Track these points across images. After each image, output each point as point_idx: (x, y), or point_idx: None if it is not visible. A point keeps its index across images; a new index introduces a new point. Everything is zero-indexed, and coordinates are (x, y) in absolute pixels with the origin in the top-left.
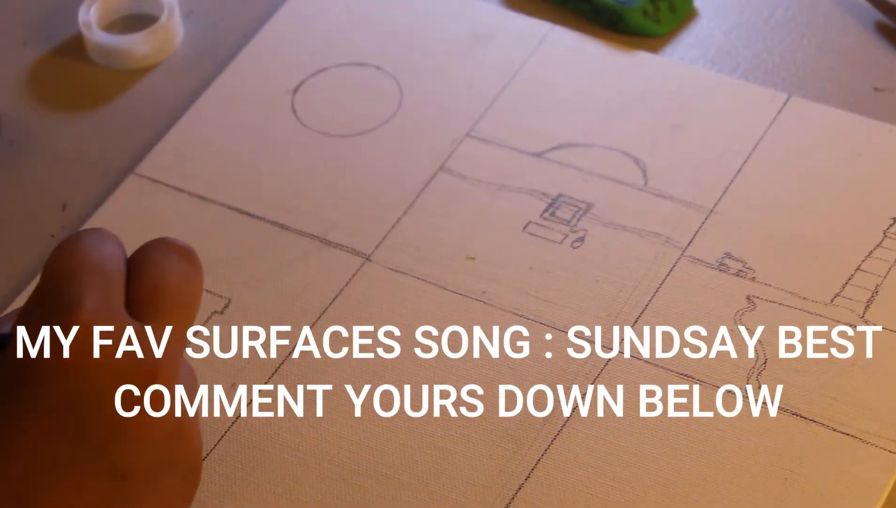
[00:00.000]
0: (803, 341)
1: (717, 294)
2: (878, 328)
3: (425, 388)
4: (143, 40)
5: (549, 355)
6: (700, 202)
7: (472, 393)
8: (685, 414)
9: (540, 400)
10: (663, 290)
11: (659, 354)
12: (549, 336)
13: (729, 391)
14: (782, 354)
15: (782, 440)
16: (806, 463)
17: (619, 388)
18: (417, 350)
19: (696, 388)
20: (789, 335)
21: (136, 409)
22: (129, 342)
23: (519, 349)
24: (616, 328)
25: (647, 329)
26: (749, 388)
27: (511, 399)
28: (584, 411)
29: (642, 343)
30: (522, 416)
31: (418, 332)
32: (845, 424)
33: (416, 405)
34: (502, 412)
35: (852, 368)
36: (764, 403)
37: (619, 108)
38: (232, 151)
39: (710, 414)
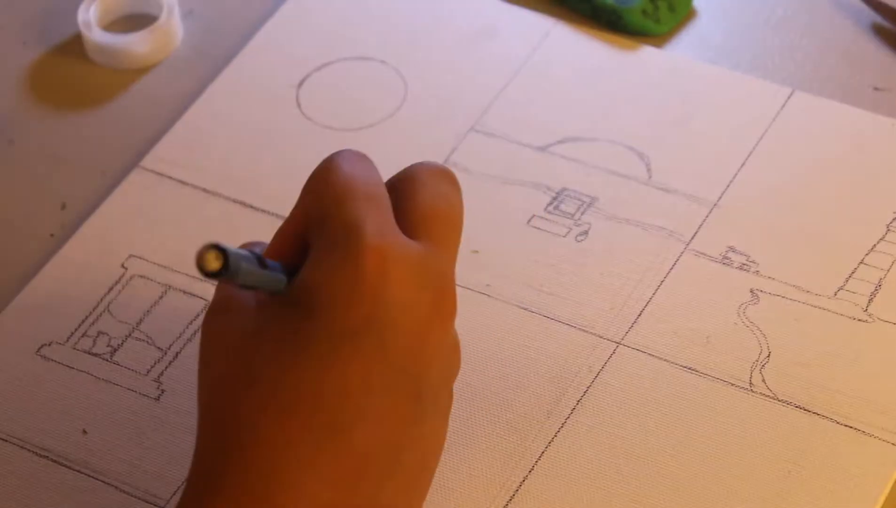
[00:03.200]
0: (807, 334)
1: (721, 288)
2: (882, 322)
3: None
4: (142, 40)
5: (552, 348)
6: (704, 196)
7: (475, 386)
8: (688, 407)
9: (544, 393)
10: (667, 283)
11: (662, 347)
12: (553, 329)
13: (732, 385)
14: (786, 347)
15: (785, 433)
16: (809, 456)
17: (623, 381)
18: None
19: (699, 381)
20: (793, 328)
21: (433, 326)
22: (417, 263)
23: (522, 342)
24: (620, 322)
25: (650, 323)
26: (752, 381)
27: (515, 392)
28: (587, 403)
29: (646, 337)
30: (526, 408)
31: None
32: (848, 417)
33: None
34: (506, 405)
35: (855, 361)
36: (767, 396)
37: (624, 102)
38: (237, 145)
39: (714, 407)
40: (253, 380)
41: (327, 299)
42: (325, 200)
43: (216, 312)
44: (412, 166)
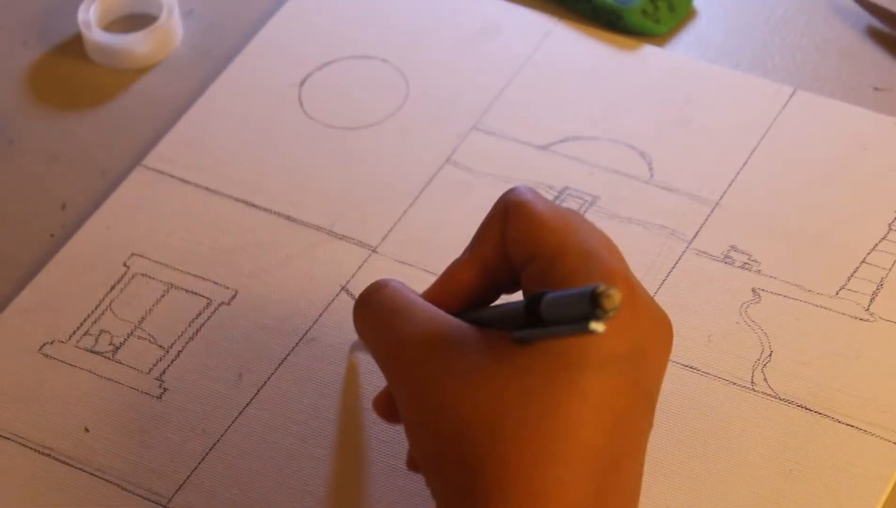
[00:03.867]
0: (808, 333)
1: (723, 287)
2: (883, 321)
3: None
4: (142, 40)
5: None
6: (706, 195)
7: None
8: (690, 406)
9: None
10: (669, 282)
11: None
12: None
13: (734, 383)
14: (787, 346)
15: (787, 432)
16: (810, 455)
17: None
18: None
19: (701, 380)
20: (794, 327)
21: (666, 351)
22: (645, 290)
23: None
24: None
25: None
26: (754, 380)
27: None
28: None
29: None
30: None
31: None
32: (850, 416)
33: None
34: None
35: (857, 360)
36: (769, 395)
37: (625, 101)
38: (239, 144)
39: (715, 406)
40: (544, 424)
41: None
42: (552, 234)
43: (437, 347)
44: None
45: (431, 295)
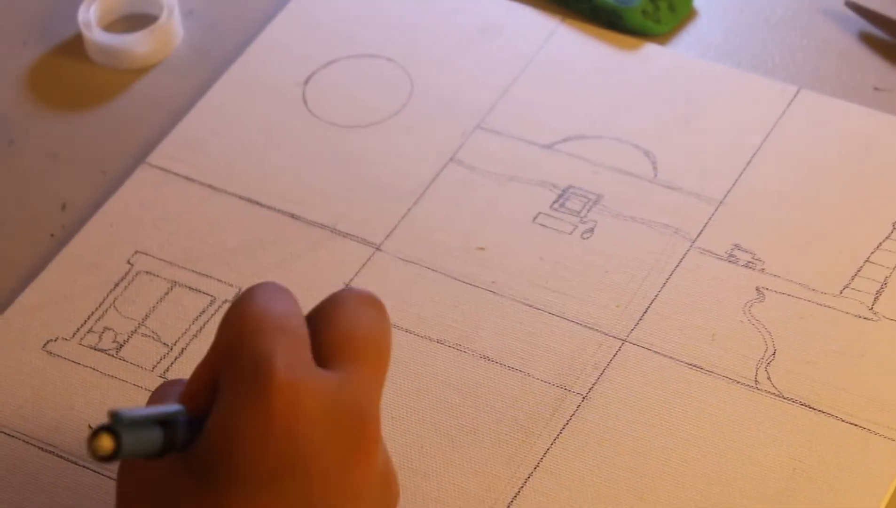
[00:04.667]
0: (812, 332)
1: (727, 285)
2: (887, 320)
3: (434, 377)
4: (142, 40)
5: (558, 345)
6: (709, 194)
7: (480, 383)
8: (694, 405)
9: (549, 390)
10: (672, 281)
11: (668, 344)
12: (558, 326)
13: (737, 382)
14: (791, 345)
15: (791, 431)
16: (814, 454)
17: (628, 378)
18: (427, 340)
19: (704, 378)
20: (798, 326)
21: (354, 461)
22: (332, 396)
23: (528, 340)
24: (625, 319)
25: (656, 320)
26: (758, 379)
27: (520, 389)
28: (593, 401)
29: (651, 334)
30: (532, 406)
31: (428, 322)
32: (853, 415)
33: (424, 395)
34: (512, 402)
35: (861, 359)
36: (772, 394)
37: (629, 100)
38: (243, 142)
39: (719, 405)
40: None
41: (239, 445)
42: (235, 332)
43: (126, 470)
44: (335, 293)
45: (184, 392)
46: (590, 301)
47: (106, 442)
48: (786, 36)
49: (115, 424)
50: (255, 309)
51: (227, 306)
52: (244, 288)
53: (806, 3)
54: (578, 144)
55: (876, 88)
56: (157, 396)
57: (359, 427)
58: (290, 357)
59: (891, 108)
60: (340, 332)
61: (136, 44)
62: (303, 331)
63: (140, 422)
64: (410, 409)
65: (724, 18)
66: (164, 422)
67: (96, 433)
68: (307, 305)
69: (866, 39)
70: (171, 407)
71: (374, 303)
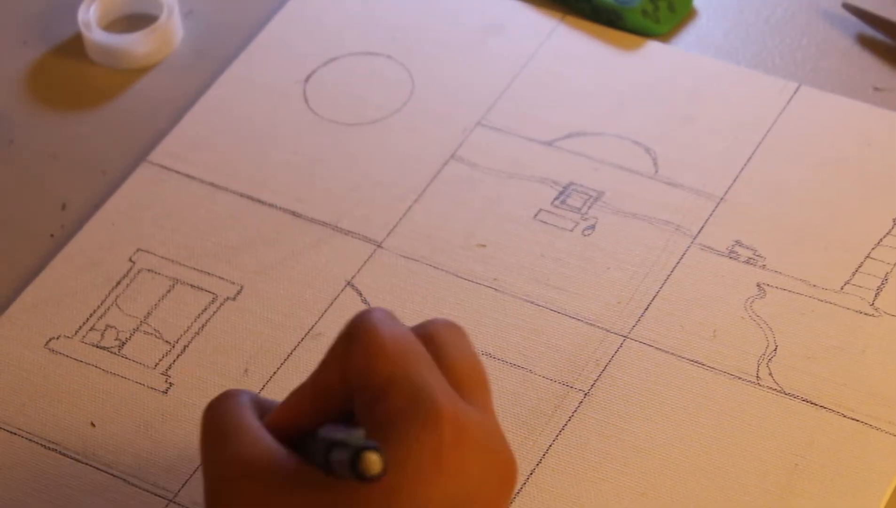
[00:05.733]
0: (813, 328)
1: (728, 282)
2: (888, 316)
3: None
4: (142, 40)
5: (560, 341)
6: (710, 190)
7: None
8: (695, 401)
9: (551, 387)
10: (674, 277)
11: (669, 341)
12: (560, 323)
13: (739, 378)
14: (792, 341)
15: (792, 427)
16: (816, 449)
17: (630, 374)
18: None
19: (706, 374)
20: (799, 322)
21: (503, 497)
22: (485, 430)
23: (530, 336)
24: (627, 315)
25: (657, 316)
26: (759, 374)
27: (522, 386)
28: (594, 397)
29: (653, 330)
30: (534, 402)
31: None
32: (855, 410)
33: None
34: (514, 399)
35: (862, 355)
36: (774, 389)
37: (630, 97)
38: (244, 139)
39: (721, 401)
40: None
41: (413, 474)
42: (381, 365)
43: (252, 477)
44: (429, 325)
45: (275, 417)
46: (591, 298)
47: (376, 461)
48: (786, 36)
49: (372, 444)
50: (391, 338)
51: (228, 303)
52: (358, 312)
53: (805, 3)
54: (579, 140)
55: (876, 88)
56: (232, 405)
57: (507, 463)
58: (445, 389)
59: (891, 107)
60: (456, 368)
61: (136, 44)
62: (434, 363)
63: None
64: None
65: (724, 18)
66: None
67: (358, 453)
68: (308, 302)
69: (864, 41)
70: (352, 431)
71: (464, 333)
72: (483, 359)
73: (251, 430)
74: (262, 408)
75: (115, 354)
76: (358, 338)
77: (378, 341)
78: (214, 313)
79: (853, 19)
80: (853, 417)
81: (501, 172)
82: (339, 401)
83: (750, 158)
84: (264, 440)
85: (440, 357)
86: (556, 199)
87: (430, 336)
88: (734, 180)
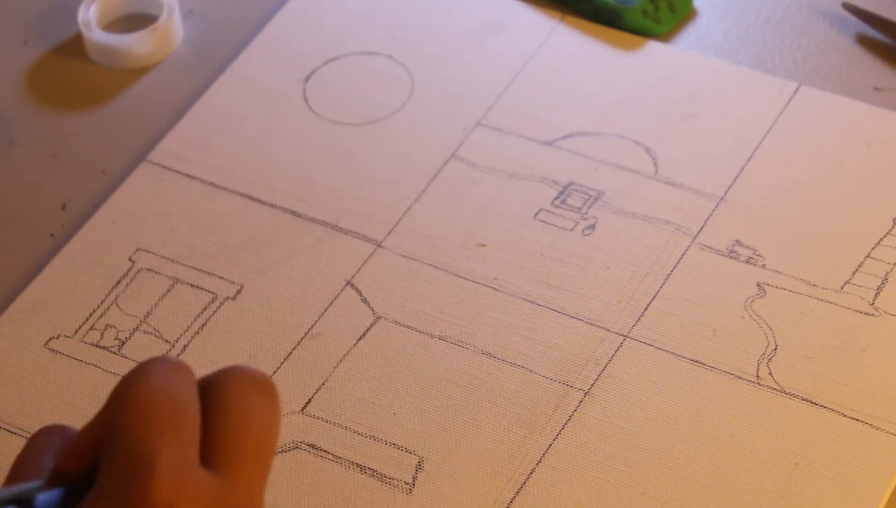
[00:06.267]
0: (813, 327)
1: (728, 281)
2: (888, 315)
3: (436, 374)
4: (142, 40)
5: (560, 341)
6: (710, 190)
7: (483, 379)
8: (695, 400)
9: (551, 386)
10: (674, 277)
11: (669, 340)
12: (560, 323)
13: (739, 377)
14: (792, 340)
15: (792, 426)
16: (816, 449)
17: (630, 374)
18: (428, 337)
19: (706, 374)
20: (799, 321)
21: None
22: (214, 500)
23: (530, 336)
24: (627, 315)
25: (657, 316)
26: (759, 374)
27: (522, 385)
28: (594, 396)
29: (653, 330)
30: (534, 401)
31: (429, 318)
32: (855, 409)
33: (427, 391)
34: (514, 398)
35: (862, 354)
36: (774, 389)
37: (630, 97)
38: (244, 139)
39: (721, 400)
40: None
41: None
42: (123, 415)
43: None
44: (225, 374)
45: (62, 455)
46: (591, 297)
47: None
48: (786, 36)
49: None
50: (147, 393)
51: (228, 303)
52: (139, 362)
53: (805, 3)
54: (579, 140)
55: (876, 88)
56: (33, 447)
57: None
58: (175, 456)
59: (891, 107)
60: (225, 428)
61: (136, 44)
62: (193, 424)
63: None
64: (412, 405)
65: (724, 18)
66: (20, 500)
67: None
68: (308, 302)
69: (864, 41)
70: (25, 486)
71: (265, 388)
72: (483, 358)
73: (20, 476)
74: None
75: (114, 353)
76: (121, 385)
77: (133, 391)
78: (214, 312)
79: (853, 19)
80: (853, 416)
81: (501, 171)
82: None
83: (750, 157)
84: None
85: (213, 416)
86: (556, 198)
87: (214, 388)
88: (734, 180)
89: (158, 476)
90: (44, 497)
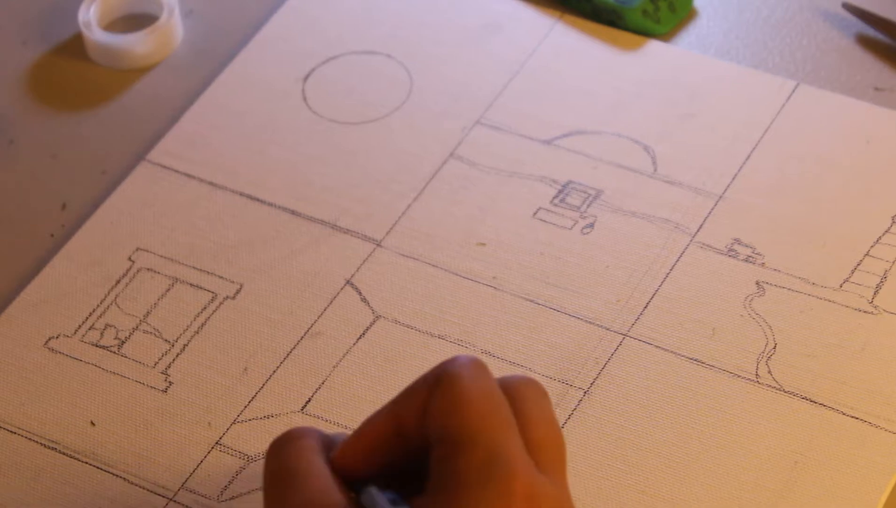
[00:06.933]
0: (812, 326)
1: (727, 280)
2: (887, 313)
3: None
4: (142, 40)
5: (559, 340)
6: (709, 189)
7: None
8: (695, 399)
9: (550, 385)
10: (673, 275)
11: (668, 339)
12: (559, 321)
13: (738, 376)
14: (791, 339)
15: (791, 425)
16: (815, 447)
17: (630, 372)
18: (428, 336)
19: (705, 373)
20: (798, 320)
21: None
22: (555, 502)
23: (529, 335)
24: (626, 314)
25: (656, 315)
26: (758, 372)
27: None
28: (594, 395)
29: (652, 328)
30: None
31: (429, 317)
32: (854, 408)
33: None
34: None
35: (861, 352)
36: (773, 387)
37: (629, 96)
38: (243, 138)
39: (720, 399)
40: None
41: None
42: (467, 420)
43: None
44: (513, 381)
45: (343, 451)
46: (590, 296)
47: None
48: (786, 36)
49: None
50: (478, 392)
51: (228, 302)
52: (449, 358)
53: (805, 3)
54: (578, 139)
55: (876, 88)
56: (304, 448)
57: None
58: (524, 457)
59: (891, 107)
60: (536, 432)
61: (136, 44)
62: (516, 426)
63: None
64: None
65: (724, 18)
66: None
67: None
68: (308, 301)
69: (864, 41)
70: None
71: (545, 393)
72: (483, 357)
73: (321, 478)
74: (329, 445)
75: (114, 353)
76: (444, 386)
77: (465, 393)
78: (214, 311)
79: (853, 19)
80: (852, 415)
81: (500, 170)
82: (410, 441)
83: (749, 156)
84: (333, 491)
85: (522, 421)
86: (555, 197)
87: (515, 396)
88: (733, 179)
89: (520, 475)
90: (381, 497)
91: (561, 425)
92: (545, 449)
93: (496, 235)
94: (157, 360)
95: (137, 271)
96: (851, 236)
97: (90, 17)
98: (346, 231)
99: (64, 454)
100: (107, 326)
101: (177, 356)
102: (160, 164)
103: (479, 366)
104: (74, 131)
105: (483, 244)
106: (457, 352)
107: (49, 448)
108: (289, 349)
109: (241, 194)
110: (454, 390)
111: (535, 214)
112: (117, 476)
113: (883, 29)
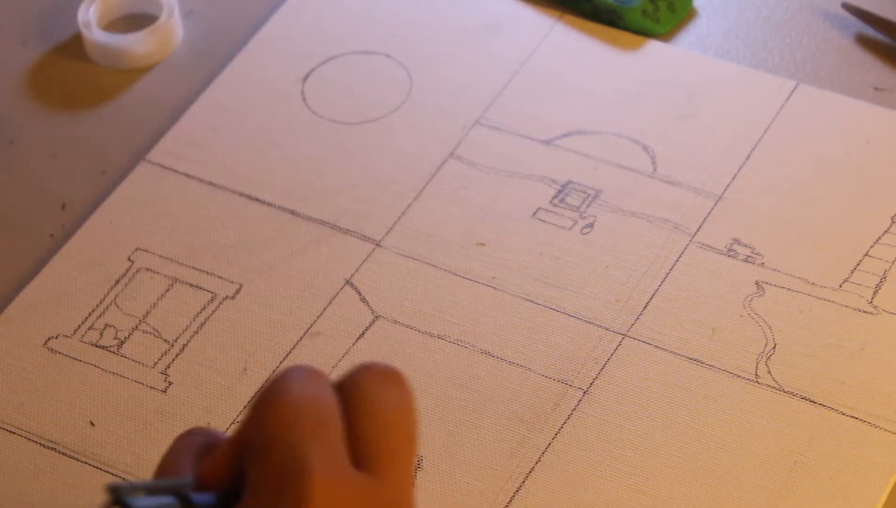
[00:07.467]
0: (812, 326)
1: (726, 280)
2: (886, 313)
3: (435, 373)
4: (142, 40)
5: (558, 340)
6: (709, 189)
7: (482, 378)
8: (694, 398)
9: (550, 385)
10: (672, 275)
11: (668, 339)
12: (558, 321)
13: (738, 376)
14: (791, 339)
15: (791, 424)
16: (814, 447)
17: (629, 372)
18: (427, 336)
19: (705, 373)
20: (798, 319)
21: None
22: (371, 501)
23: (529, 335)
24: (625, 313)
25: (656, 314)
26: (758, 372)
27: (521, 384)
28: (593, 395)
29: (652, 328)
30: (533, 400)
31: (428, 317)
32: (853, 408)
33: (426, 390)
34: (513, 397)
35: (860, 352)
36: (773, 387)
37: (628, 96)
38: (243, 138)
39: (719, 399)
40: None
41: None
42: (270, 423)
43: None
44: (358, 373)
45: (199, 474)
46: (590, 296)
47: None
48: (786, 36)
49: (121, 496)
50: (292, 399)
51: (227, 302)
52: (277, 371)
53: (805, 3)
54: (578, 139)
55: (876, 88)
56: (178, 448)
57: None
58: (328, 458)
59: (891, 107)
60: (373, 426)
61: (136, 44)
62: (338, 426)
63: (142, 489)
64: None
65: (724, 18)
66: (178, 492)
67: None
68: (307, 301)
69: (864, 41)
70: (180, 480)
71: (398, 382)
72: (482, 357)
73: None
74: (211, 449)
75: (114, 353)
76: (259, 398)
77: (277, 400)
78: (213, 311)
79: (853, 19)
80: (852, 415)
81: (500, 170)
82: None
83: (748, 156)
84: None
85: (354, 415)
86: (554, 197)
87: (350, 392)
88: (733, 179)
89: (314, 479)
90: (199, 497)
91: (560, 425)
92: (368, 445)
93: (496, 235)
94: (156, 360)
95: (137, 271)
96: (851, 236)
97: (90, 17)
98: (346, 231)
99: (63, 454)
100: (106, 326)
101: (176, 356)
102: (160, 164)
103: (310, 374)
104: (74, 131)
105: (483, 244)
106: (456, 352)
107: (48, 448)
108: (288, 349)
109: (241, 194)
110: (264, 400)
111: (534, 214)
112: (116, 475)
113: (883, 29)
